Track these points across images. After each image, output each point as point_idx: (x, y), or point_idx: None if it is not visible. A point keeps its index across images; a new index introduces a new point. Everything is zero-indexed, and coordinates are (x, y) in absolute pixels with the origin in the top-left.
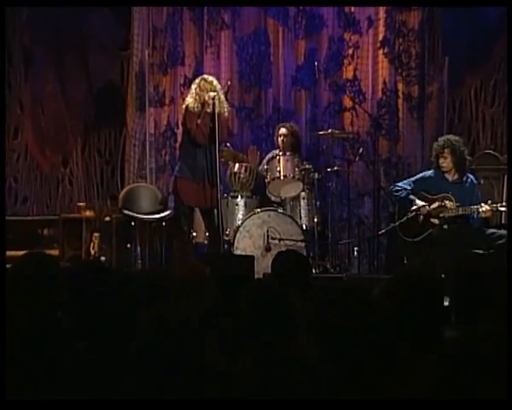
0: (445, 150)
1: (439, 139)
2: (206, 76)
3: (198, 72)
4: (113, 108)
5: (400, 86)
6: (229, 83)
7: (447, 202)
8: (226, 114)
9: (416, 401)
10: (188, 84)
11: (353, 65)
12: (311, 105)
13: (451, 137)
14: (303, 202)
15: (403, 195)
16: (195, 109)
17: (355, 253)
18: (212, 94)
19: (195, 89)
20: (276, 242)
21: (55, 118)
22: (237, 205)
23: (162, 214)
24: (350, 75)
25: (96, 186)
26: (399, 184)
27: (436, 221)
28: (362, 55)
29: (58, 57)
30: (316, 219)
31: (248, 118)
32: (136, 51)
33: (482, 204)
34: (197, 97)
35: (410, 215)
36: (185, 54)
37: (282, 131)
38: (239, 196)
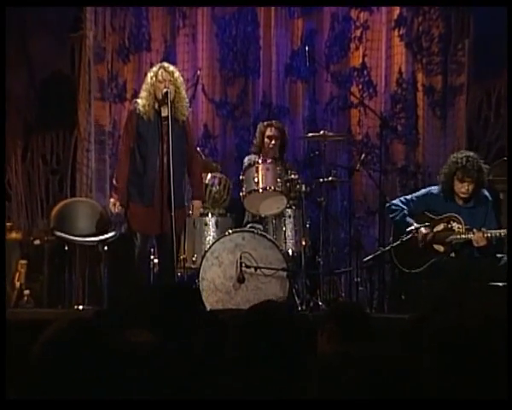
0: (467, 178)
1: (460, 157)
2: (166, 64)
3: (168, 59)
4: (62, 103)
5: (419, 77)
6: (198, 72)
7: (454, 223)
8: (185, 114)
9: (416, 401)
10: None
11: (362, 50)
12: (310, 100)
13: (477, 159)
14: (288, 221)
15: (398, 217)
16: (146, 108)
17: (358, 285)
18: (164, 89)
19: (151, 79)
20: (252, 271)
21: None
22: (207, 225)
23: (103, 236)
24: (357, 63)
25: (40, 202)
26: (395, 201)
27: (441, 248)
28: (372, 37)
29: (4, 32)
30: (304, 243)
31: (231, 116)
32: (89, 33)
33: (474, 230)
34: (151, 90)
35: (404, 238)
36: (152, 36)
37: (271, 131)
38: (209, 214)
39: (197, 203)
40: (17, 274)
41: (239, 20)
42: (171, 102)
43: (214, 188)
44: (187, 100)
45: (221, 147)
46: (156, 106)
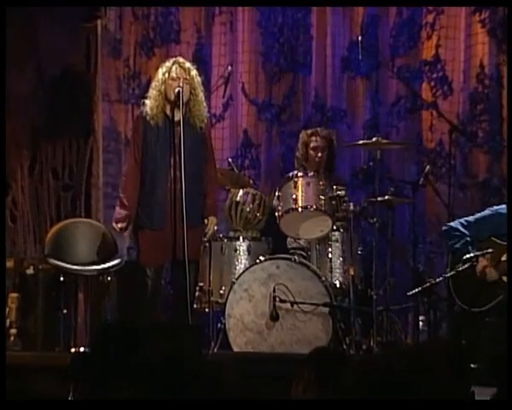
0: None
1: None
2: (181, 59)
3: (201, 52)
4: (75, 106)
5: (505, 71)
6: (230, 68)
7: None
8: (203, 119)
9: (416, 401)
10: None
11: (435, 39)
12: (372, 101)
13: None
14: (334, 247)
15: (458, 244)
16: (155, 111)
17: (420, 324)
18: (176, 88)
19: (162, 76)
20: (288, 306)
21: None
22: (237, 251)
23: (107, 264)
24: (429, 55)
25: (49, 223)
26: (455, 224)
27: None
28: (448, 23)
29: (5, 32)
30: (352, 272)
31: (277, 121)
32: (107, 22)
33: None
34: (162, 89)
35: (460, 268)
36: (181, 26)
37: (317, 142)
38: (240, 238)
39: (213, 219)
40: (6, 310)
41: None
42: (184, 105)
43: (247, 206)
44: (205, 104)
45: (264, 157)
46: (167, 109)
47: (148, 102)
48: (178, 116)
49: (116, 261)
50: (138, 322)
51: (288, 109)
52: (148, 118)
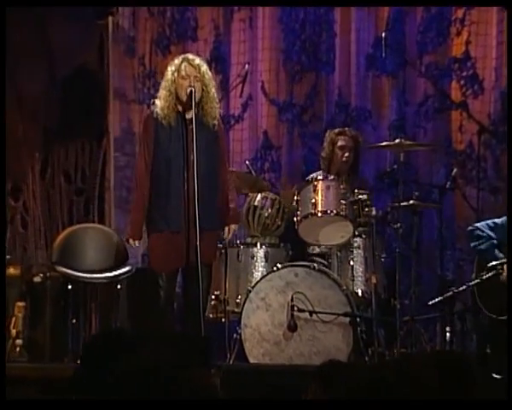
0: None
1: None
2: (191, 56)
3: (219, 50)
4: (88, 105)
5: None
6: (247, 66)
7: None
8: (216, 117)
9: (415, 401)
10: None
11: (465, 35)
12: (398, 100)
13: None
14: (356, 254)
15: (483, 246)
16: (166, 111)
17: (447, 335)
18: (188, 88)
19: (172, 75)
20: (307, 316)
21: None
22: (254, 258)
23: (117, 272)
24: (459, 52)
25: (61, 228)
26: (481, 225)
27: None
28: (479, 18)
29: (5, 32)
30: (374, 280)
31: (298, 121)
32: (121, 19)
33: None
34: (172, 89)
35: (485, 276)
36: (199, 23)
37: (344, 141)
38: (258, 244)
39: (234, 226)
40: (13, 320)
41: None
42: (197, 104)
43: (265, 211)
44: (217, 100)
45: (285, 160)
46: (179, 108)
47: (158, 102)
48: (191, 115)
49: (127, 269)
50: (127, 332)
51: (310, 110)
52: (159, 118)
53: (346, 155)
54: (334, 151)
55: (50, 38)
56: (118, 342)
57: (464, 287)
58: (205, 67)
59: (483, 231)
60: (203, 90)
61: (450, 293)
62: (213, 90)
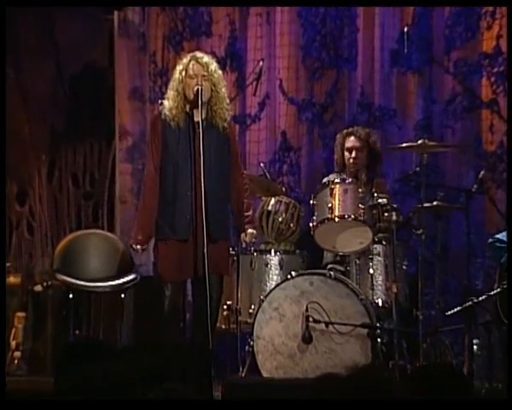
0: None
1: None
2: (199, 54)
3: (235, 46)
4: (97, 105)
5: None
6: (261, 63)
7: None
8: (226, 118)
9: (415, 401)
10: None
11: (495, 30)
12: (425, 99)
13: None
14: (376, 261)
15: (504, 258)
16: (174, 112)
17: (474, 348)
18: (195, 87)
19: (179, 74)
20: (323, 327)
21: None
22: (268, 265)
23: (120, 280)
24: (489, 47)
25: (69, 234)
26: (502, 236)
27: None
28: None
29: (10, 29)
30: (395, 290)
31: (318, 121)
32: (132, 14)
33: None
34: (180, 88)
35: (502, 287)
36: (213, 17)
37: (351, 142)
38: (272, 251)
39: (252, 230)
40: (13, 331)
41: None
42: (205, 104)
43: (279, 216)
44: (228, 100)
45: (305, 162)
46: (187, 108)
47: (166, 102)
48: (199, 116)
49: (131, 277)
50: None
51: (330, 109)
52: (167, 119)
53: (354, 155)
54: (344, 153)
55: (56, 36)
56: (91, 353)
57: (484, 297)
58: (214, 66)
59: (503, 242)
60: (212, 89)
61: (470, 303)
62: (223, 89)
